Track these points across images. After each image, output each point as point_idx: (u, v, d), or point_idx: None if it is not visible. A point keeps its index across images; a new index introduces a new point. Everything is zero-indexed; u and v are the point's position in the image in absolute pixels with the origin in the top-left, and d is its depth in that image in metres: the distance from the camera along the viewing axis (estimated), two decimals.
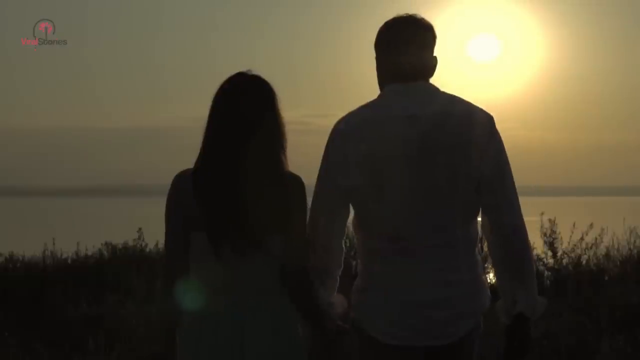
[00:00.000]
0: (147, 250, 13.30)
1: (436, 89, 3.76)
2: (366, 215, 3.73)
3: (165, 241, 3.55)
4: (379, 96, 3.79)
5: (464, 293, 3.72)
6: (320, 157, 3.77)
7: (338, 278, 3.82)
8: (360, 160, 3.66)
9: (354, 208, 3.75)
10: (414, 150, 3.65)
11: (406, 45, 3.74)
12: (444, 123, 3.66)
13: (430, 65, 3.79)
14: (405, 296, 3.68)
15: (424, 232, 3.67)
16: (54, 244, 12.95)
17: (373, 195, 3.67)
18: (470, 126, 3.67)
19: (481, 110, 3.74)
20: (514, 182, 3.75)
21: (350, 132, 3.69)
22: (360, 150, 3.66)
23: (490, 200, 3.71)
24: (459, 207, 3.69)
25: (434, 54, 3.81)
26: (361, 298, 3.76)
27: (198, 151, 3.56)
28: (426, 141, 3.65)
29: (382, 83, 3.82)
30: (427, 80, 3.77)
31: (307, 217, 3.61)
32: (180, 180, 3.52)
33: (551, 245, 11.64)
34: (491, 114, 3.76)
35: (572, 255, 11.58)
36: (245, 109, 3.50)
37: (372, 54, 3.93)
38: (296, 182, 3.54)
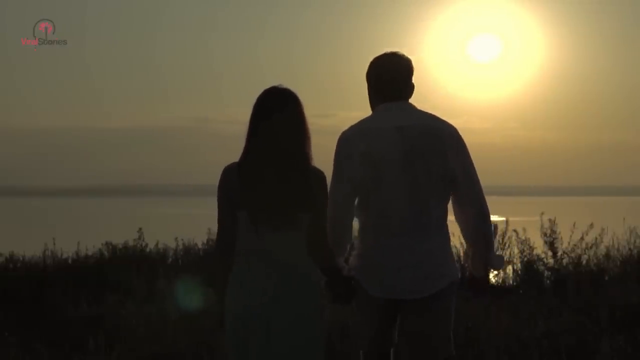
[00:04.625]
0: (147, 250, 13.32)
1: (415, 107, 4.99)
2: (366, 199, 4.90)
3: (218, 218, 4.55)
4: (374, 113, 5.02)
5: (432, 261, 4.89)
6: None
7: (347, 248, 4.98)
8: (363, 158, 4.85)
9: (357, 194, 4.90)
10: (402, 152, 4.86)
11: (395, 68, 4.99)
12: (423, 133, 4.88)
13: (410, 87, 5.02)
14: (390, 263, 4.86)
15: (408, 214, 4.87)
16: (54, 244, 12.97)
17: (372, 185, 4.87)
18: (441, 136, 4.89)
19: (448, 123, 4.97)
20: (477, 177, 4.96)
21: (353, 137, 4.91)
22: (362, 151, 4.86)
23: (459, 191, 4.92)
24: (434, 196, 4.89)
25: (412, 82, 5.03)
26: (358, 261, 4.96)
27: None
28: (410, 146, 4.86)
29: (374, 104, 5.05)
30: (408, 100, 5.01)
31: (327, 201, 4.61)
32: (228, 172, 4.53)
33: (551, 245, 11.64)
34: (454, 126, 4.96)
35: (572, 255, 11.58)
36: (278, 116, 4.49)
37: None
38: (319, 175, 4.56)
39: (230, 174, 4.53)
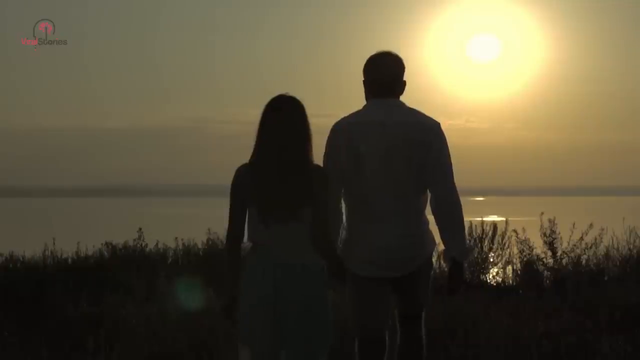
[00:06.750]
0: (147, 250, 13.29)
1: (402, 104, 5.49)
2: (350, 187, 5.43)
3: (230, 213, 4.98)
4: (364, 107, 5.52)
5: (413, 242, 5.45)
6: (322, 154, 5.38)
7: (340, 230, 5.50)
8: (348, 150, 5.37)
9: (343, 182, 5.40)
10: (384, 146, 5.35)
11: (385, 68, 5.47)
12: (405, 129, 5.37)
13: (401, 85, 5.51)
14: (374, 244, 5.41)
15: (388, 200, 5.38)
16: (54, 244, 12.92)
17: (355, 175, 5.38)
18: (421, 130, 5.38)
19: (430, 119, 5.47)
20: (451, 169, 5.43)
21: (341, 130, 5.44)
22: (347, 143, 5.38)
23: (433, 180, 5.40)
24: (412, 184, 5.39)
25: (404, 79, 5.53)
26: (346, 246, 5.50)
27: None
28: (392, 140, 5.35)
29: (367, 97, 5.54)
30: (398, 97, 5.50)
31: (329, 197, 4.99)
32: (241, 171, 4.99)
33: (551, 245, 11.63)
34: (438, 121, 5.46)
35: (572, 255, 11.57)
36: (284, 122, 4.93)
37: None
38: (320, 172, 5.00)
39: (242, 172, 4.99)
